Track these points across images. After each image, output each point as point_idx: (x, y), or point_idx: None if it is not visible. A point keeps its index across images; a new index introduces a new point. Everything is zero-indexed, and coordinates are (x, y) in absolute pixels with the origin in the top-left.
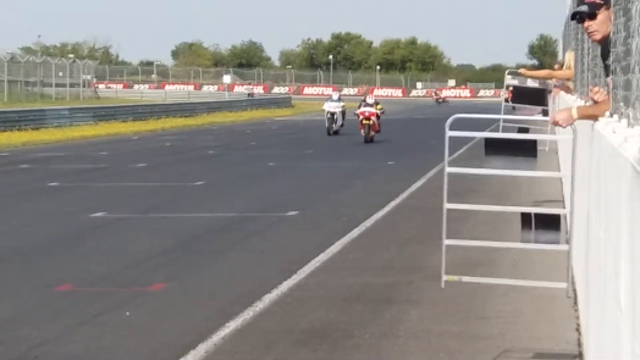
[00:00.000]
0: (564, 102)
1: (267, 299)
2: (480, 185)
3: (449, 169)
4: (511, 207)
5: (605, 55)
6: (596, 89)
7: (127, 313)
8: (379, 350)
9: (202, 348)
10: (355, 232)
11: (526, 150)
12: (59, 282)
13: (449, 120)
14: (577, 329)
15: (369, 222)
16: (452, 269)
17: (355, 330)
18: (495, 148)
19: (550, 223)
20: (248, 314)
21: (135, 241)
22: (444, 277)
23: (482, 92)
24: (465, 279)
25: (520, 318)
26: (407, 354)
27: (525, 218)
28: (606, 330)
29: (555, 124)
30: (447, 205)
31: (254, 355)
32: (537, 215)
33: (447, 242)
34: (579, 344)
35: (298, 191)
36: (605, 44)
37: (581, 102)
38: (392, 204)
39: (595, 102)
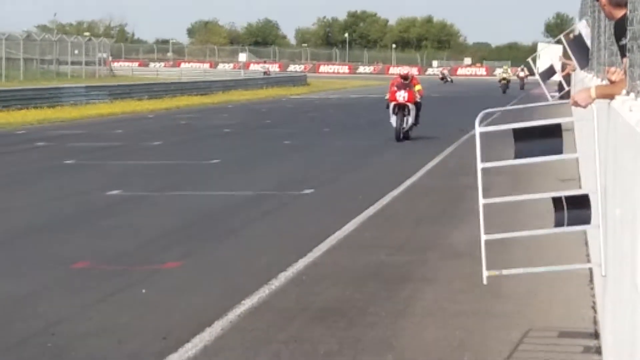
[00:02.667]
0: (580, 81)
1: (283, 276)
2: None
3: (484, 164)
4: (542, 194)
5: (619, 36)
6: (613, 69)
7: (143, 290)
8: (395, 328)
9: (218, 325)
10: (371, 211)
11: (552, 132)
12: (75, 260)
13: (479, 116)
14: (593, 307)
15: (384, 201)
16: (466, 247)
17: (370, 308)
18: (523, 136)
19: (579, 203)
20: (264, 292)
21: (151, 219)
22: (486, 273)
23: (498, 71)
24: (505, 272)
25: (536, 296)
26: (423, 332)
27: (557, 202)
28: (622, 309)
29: (575, 104)
30: (483, 201)
31: (269, 333)
32: (567, 197)
33: (485, 237)
34: (595, 322)
35: (314, 169)
36: (618, 24)
37: (598, 81)
38: (408, 182)
39: (612, 82)
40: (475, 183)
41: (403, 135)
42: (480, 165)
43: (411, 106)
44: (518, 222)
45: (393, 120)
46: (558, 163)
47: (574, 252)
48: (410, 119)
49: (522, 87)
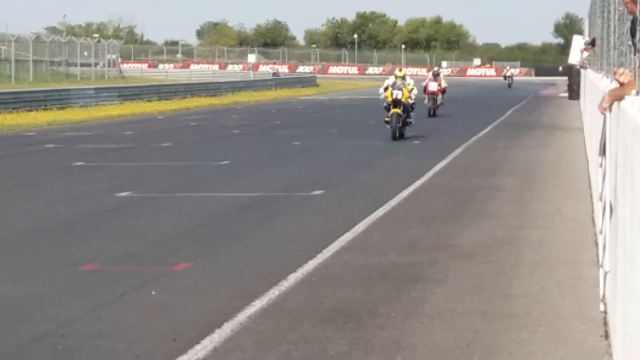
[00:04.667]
0: (590, 82)
1: (293, 278)
2: (505, 164)
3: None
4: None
5: (634, 32)
6: (621, 70)
7: (153, 292)
8: (404, 329)
9: (228, 327)
10: (380, 211)
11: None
12: (85, 261)
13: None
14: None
15: (394, 202)
16: (476, 247)
17: (380, 309)
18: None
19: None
20: (273, 293)
21: (161, 220)
22: (602, 307)
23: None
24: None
25: (546, 297)
26: (432, 332)
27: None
28: (633, 309)
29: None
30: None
31: (279, 334)
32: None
33: (603, 270)
34: (605, 323)
35: (323, 170)
36: (634, 21)
37: (608, 81)
38: (417, 183)
39: (622, 84)
40: (483, 184)
41: None
42: (599, 201)
43: None
44: (528, 225)
45: None
46: (568, 164)
47: (584, 253)
48: None
49: (433, 112)
